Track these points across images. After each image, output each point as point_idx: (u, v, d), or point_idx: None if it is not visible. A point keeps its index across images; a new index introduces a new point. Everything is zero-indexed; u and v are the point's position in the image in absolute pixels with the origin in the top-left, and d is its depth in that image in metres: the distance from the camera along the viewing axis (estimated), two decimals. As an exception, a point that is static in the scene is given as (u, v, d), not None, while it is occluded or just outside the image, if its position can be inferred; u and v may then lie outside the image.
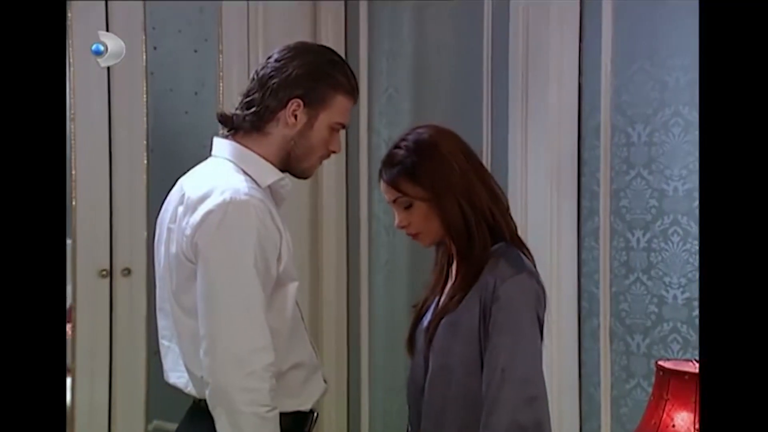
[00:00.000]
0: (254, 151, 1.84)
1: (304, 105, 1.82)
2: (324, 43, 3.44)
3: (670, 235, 2.69)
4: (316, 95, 1.83)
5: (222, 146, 1.88)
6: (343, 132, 1.93)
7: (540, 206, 2.95)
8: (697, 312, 2.59)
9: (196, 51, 3.58)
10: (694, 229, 2.62)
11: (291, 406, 1.82)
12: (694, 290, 2.61)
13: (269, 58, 1.86)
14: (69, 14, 3.18)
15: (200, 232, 1.72)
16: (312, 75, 1.83)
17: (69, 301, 3.27)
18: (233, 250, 1.72)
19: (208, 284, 1.72)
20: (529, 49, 3.00)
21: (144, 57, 3.37)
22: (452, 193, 1.78)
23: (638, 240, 2.76)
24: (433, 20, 3.40)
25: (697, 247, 2.56)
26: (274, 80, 1.81)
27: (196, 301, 1.74)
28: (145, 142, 3.38)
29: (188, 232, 1.73)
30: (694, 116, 2.61)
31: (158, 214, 1.91)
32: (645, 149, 2.74)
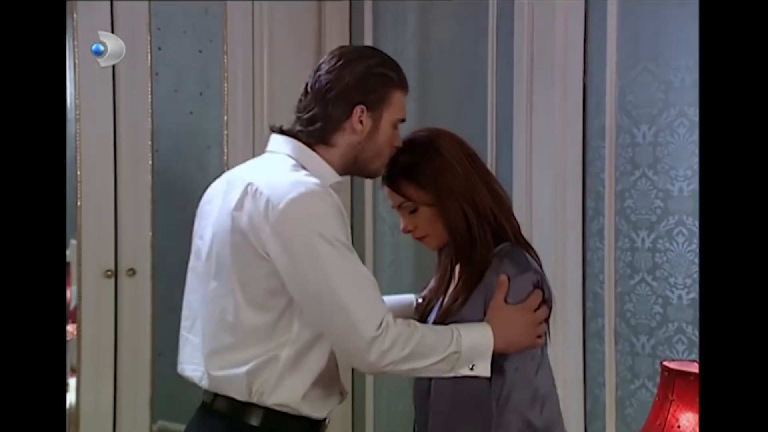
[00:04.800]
0: (318, 153, 1.82)
1: (368, 109, 1.81)
2: (328, 43, 3.45)
3: (675, 236, 2.68)
4: (376, 97, 1.83)
5: (281, 142, 1.84)
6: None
7: (545, 207, 2.95)
8: (702, 313, 2.58)
9: (200, 51, 3.58)
10: (699, 229, 2.62)
11: (325, 408, 1.83)
12: (700, 291, 2.61)
13: (317, 71, 1.84)
14: (74, 15, 3.19)
15: (284, 225, 1.67)
16: (368, 78, 1.82)
17: (74, 302, 3.28)
18: (326, 235, 1.67)
19: (316, 273, 1.66)
20: (534, 50, 3.00)
21: (149, 57, 3.37)
22: (455, 197, 1.78)
23: (643, 240, 2.75)
24: (438, 20, 3.40)
25: (703, 248, 2.56)
26: (332, 92, 1.80)
27: (265, 294, 1.71)
28: (149, 143, 3.36)
29: (266, 226, 1.68)
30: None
31: (197, 206, 1.90)
32: (650, 150, 2.74)
